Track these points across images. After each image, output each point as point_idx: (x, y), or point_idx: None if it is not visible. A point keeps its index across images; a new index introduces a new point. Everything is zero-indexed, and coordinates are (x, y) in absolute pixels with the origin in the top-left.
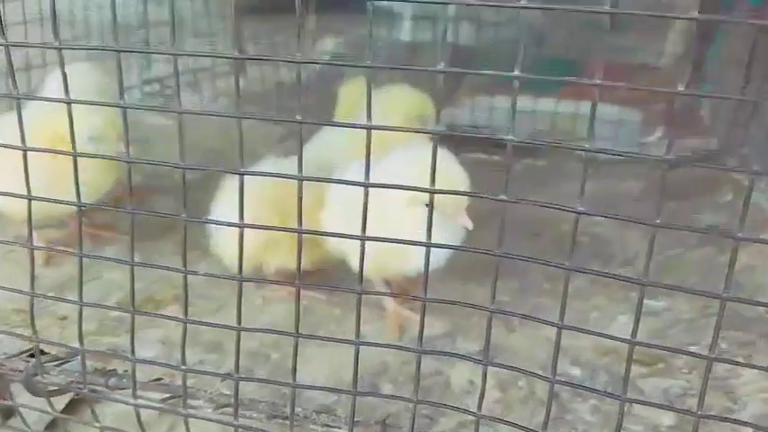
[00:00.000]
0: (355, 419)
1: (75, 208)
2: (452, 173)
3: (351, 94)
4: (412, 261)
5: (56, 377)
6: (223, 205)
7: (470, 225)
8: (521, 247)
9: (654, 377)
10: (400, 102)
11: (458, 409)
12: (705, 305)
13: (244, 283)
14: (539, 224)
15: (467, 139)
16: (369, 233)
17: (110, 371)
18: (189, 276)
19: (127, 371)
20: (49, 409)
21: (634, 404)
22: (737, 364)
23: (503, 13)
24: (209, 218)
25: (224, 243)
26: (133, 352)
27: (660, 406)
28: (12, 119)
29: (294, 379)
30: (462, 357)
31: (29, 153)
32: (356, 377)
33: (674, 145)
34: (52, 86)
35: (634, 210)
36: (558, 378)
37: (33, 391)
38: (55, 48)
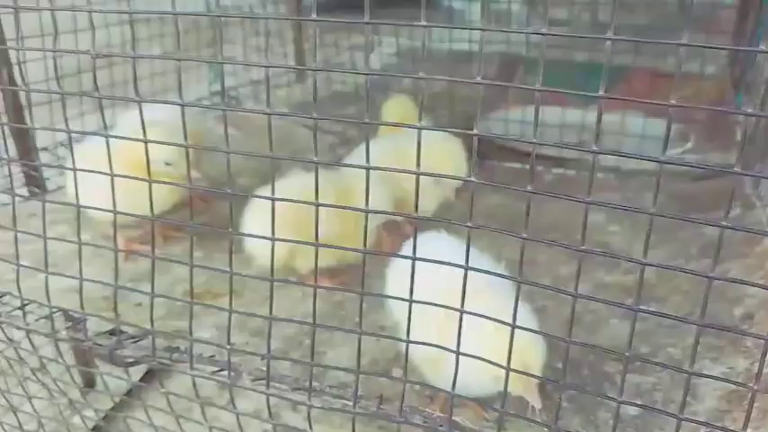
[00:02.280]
0: (359, 394)
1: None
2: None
3: (392, 112)
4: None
5: (131, 351)
6: (253, 215)
7: (538, 404)
8: (539, 252)
9: (629, 374)
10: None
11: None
12: (689, 313)
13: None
14: (556, 231)
15: (502, 150)
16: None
17: (174, 347)
18: (242, 272)
19: (187, 348)
20: (126, 377)
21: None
22: (678, 370)
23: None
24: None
25: (255, 249)
26: (191, 333)
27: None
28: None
29: (312, 358)
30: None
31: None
32: (359, 359)
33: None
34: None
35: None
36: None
37: (114, 361)
38: (135, 101)
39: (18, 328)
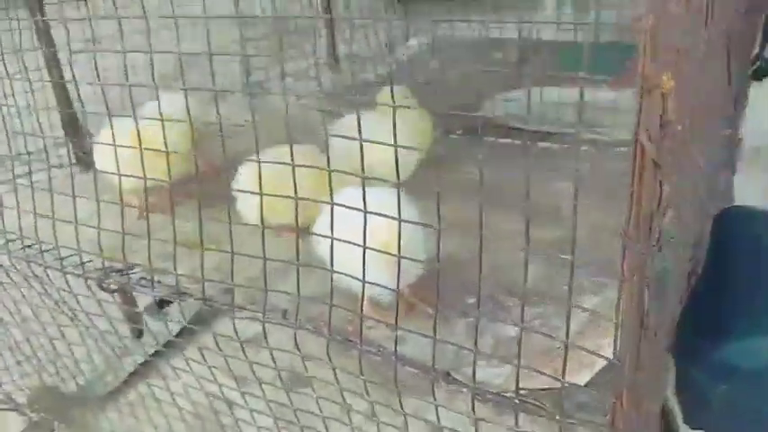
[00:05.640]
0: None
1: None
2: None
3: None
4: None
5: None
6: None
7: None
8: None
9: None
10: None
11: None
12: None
13: (259, 228)
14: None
15: (498, 128)
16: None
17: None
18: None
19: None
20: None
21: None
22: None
23: None
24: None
25: (243, 209)
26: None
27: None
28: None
29: (266, 286)
30: None
31: (129, 150)
32: (299, 289)
33: None
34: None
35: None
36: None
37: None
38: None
39: (54, 270)
